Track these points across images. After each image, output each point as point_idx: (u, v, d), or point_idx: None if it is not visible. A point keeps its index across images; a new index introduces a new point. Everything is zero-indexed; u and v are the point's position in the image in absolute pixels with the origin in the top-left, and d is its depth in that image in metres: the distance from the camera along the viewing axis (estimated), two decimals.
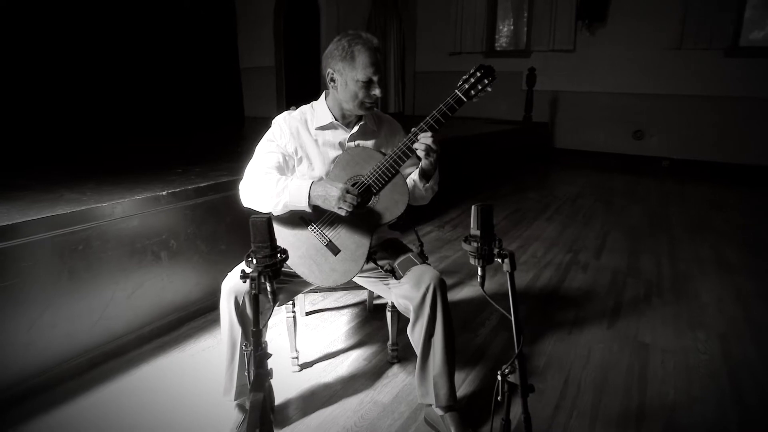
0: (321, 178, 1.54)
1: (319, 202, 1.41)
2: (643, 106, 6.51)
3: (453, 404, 1.51)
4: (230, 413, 1.55)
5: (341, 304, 2.46)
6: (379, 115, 1.70)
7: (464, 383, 1.82)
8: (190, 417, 1.61)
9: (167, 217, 2.11)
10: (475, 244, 1.08)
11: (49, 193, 2.04)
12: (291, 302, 1.82)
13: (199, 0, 6.51)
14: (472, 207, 1.09)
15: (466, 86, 1.51)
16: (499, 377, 1.08)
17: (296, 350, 1.88)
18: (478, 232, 1.08)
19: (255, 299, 0.99)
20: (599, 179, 5.91)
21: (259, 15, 7.06)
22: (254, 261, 1.01)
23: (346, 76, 1.48)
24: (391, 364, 1.94)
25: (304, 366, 1.93)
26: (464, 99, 1.50)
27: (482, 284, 1.14)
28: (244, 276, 0.98)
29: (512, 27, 7.95)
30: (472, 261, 1.11)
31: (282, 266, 1.04)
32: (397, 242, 1.72)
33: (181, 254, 2.17)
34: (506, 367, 1.07)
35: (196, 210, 2.22)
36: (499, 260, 1.08)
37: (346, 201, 1.37)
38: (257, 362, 0.96)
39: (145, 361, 1.94)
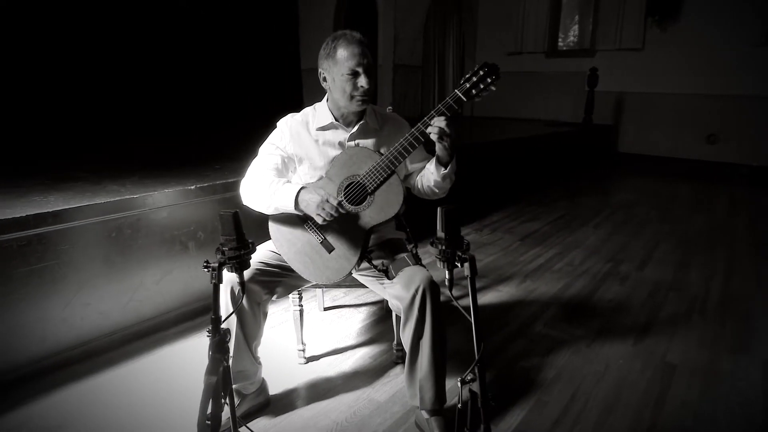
0: (321, 178, 1.58)
1: (303, 207, 1.45)
2: (719, 108, 5.99)
3: (439, 408, 1.50)
4: None
5: (360, 302, 2.50)
6: (383, 114, 1.71)
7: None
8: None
9: (196, 210, 2.25)
10: (439, 247, 1.07)
11: (94, 184, 2.24)
12: (298, 296, 1.88)
13: (266, 5, 6.83)
14: (438, 209, 1.08)
15: (467, 85, 1.48)
16: (459, 384, 1.06)
17: (303, 343, 1.94)
18: (443, 235, 1.06)
19: (215, 288, 1.05)
20: (663, 186, 5.51)
21: (320, 17, 7.28)
22: (223, 253, 1.06)
23: (333, 73, 1.51)
24: (396, 364, 1.95)
25: (311, 359, 1.98)
26: (464, 99, 1.48)
27: (450, 288, 1.12)
28: (206, 266, 1.04)
29: (576, 25, 7.61)
30: (438, 264, 1.10)
31: (248, 259, 1.10)
32: (397, 242, 1.73)
33: (208, 245, 2.30)
34: (467, 374, 1.05)
35: (223, 204, 2.34)
36: (458, 265, 1.05)
37: (324, 209, 1.40)
38: (214, 347, 1.01)
39: (168, 343, 2.09)
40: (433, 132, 1.44)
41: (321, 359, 1.99)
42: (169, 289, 2.20)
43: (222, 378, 0.99)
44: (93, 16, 4.70)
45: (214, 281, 1.03)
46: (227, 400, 1.06)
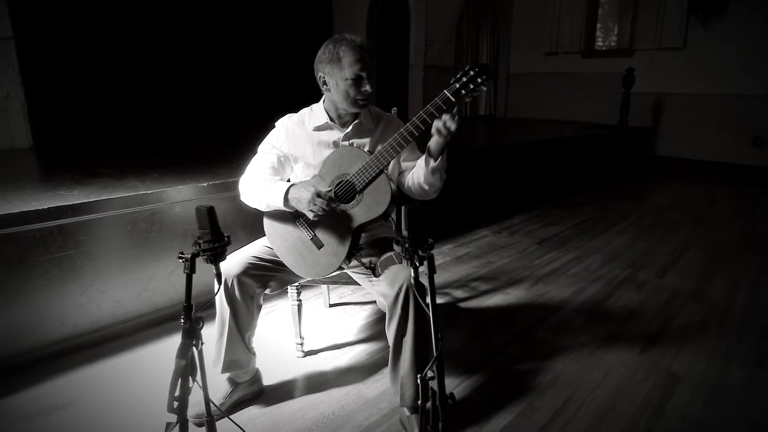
0: (315, 176, 1.63)
1: (294, 204, 1.50)
2: (766, 110, 5.64)
3: (420, 406, 1.51)
4: (222, 385, 1.70)
5: (366, 300, 2.53)
6: (378, 113, 1.74)
7: (457, 390, 1.79)
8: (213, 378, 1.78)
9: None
10: (403, 246, 1.09)
11: (118, 180, 2.39)
12: (296, 291, 1.93)
13: (299, 6, 6.99)
14: (402, 208, 1.10)
15: (457, 85, 1.47)
16: (419, 381, 1.08)
17: (301, 337, 1.99)
18: (406, 234, 1.08)
19: (188, 278, 1.11)
20: (701, 191, 5.26)
21: (354, 19, 7.36)
22: (198, 245, 1.13)
23: (336, 77, 1.54)
24: None
25: (310, 353, 2.03)
26: (452, 99, 1.47)
27: (414, 286, 1.14)
28: (180, 257, 1.11)
29: (615, 24, 7.36)
30: (402, 262, 1.12)
31: (223, 251, 1.15)
32: (388, 241, 1.74)
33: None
34: (427, 371, 1.06)
35: (236, 201, 2.43)
36: (417, 264, 1.07)
37: (316, 204, 1.43)
38: (185, 333, 1.07)
39: (177, 332, 2.18)
40: (438, 124, 1.44)
41: (319, 354, 2.04)
42: (180, 281, 2.28)
43: (191, 362, 1.05)
44: (132, 18, 4.96)
45: (187, 271, 1.09)
46: (201, 384, 1.12)
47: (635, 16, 6.66)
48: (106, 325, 2.11)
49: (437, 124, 1.45)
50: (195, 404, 1.54)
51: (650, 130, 6.60)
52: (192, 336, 1.06)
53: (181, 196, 2.26)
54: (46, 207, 1.89)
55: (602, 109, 6.86)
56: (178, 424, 1.05)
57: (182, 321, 1.09)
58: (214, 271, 1.18)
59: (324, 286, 2.45)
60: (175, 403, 1.03)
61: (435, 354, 1.04)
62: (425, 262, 1.05)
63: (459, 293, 2.62)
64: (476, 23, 7.84)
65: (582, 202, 4.70)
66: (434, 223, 3.65)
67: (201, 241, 1.12)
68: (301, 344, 2.01)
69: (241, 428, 1.36)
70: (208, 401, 1.16)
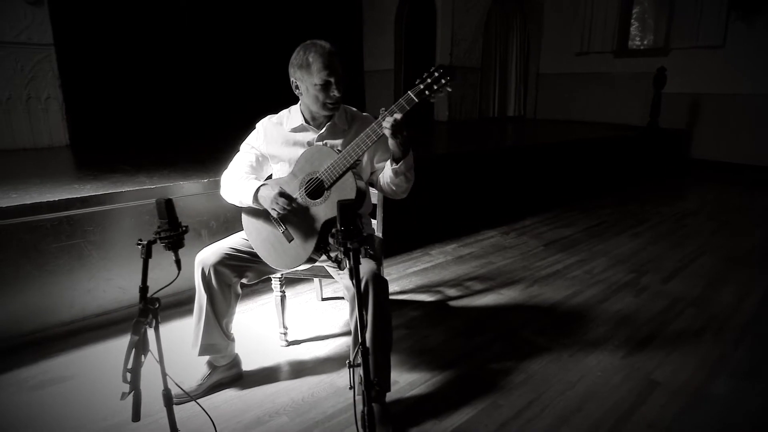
0: (289, 174, 1.71)
1: (262, 202, 1.60)
2: None
3: (376, 395, 1.56)
4: (201, 368, 1.81)
5: None
6: (353, 114, 1.81)
7: (426, 384, 1.83)
8: (193, 360, 1.89)
9: (208, 201, 2.49)
10: (337, 239, 1.15)
11: (130, 176, 2.57)
12: (280, 283, 2.03)
13: (329, 9, 7.15)
14: (336, 203, 1.16)
15: (421, 86, 1.52)
16: (347, 367, 1.14)
17: (284, 327, 2.09)
18: (339, 227, 1.14)
19: (144, 263, 1.22)
20: (733, 196, 5.01)
21: (382, 21, 7.45)
22: (158, 234, 1.23)
23: (306, 82, 1.63)
24: None
25: (293, 343, 2.13)
26: (416, 99, 1.52)
27: (351, 277, 1.20)
28: (139, 243, 1.22)
29: (650, 22, 7.10)
30: (340, 255, 1.18)
31: (180, 240, 1.26)
32: (365, 238, 1.81)
33: (219, 234, 2.53)
34: (354, 357, 1.12)
35: None
36: (342, 256, 1.13)
37: (278, 203, 1.54)
38: (138, 312, 1.19)
39: (178, 318, 2.33)
40: (386, 126, 1.50)
41: (302, 344, 2.12)
42: (182, 272, 2.45)
43: (143, 338, 1.16)
44: (159, 23, 5.24)
45: (143, 256, 1.20)
46: (157, 358, 1.23)
47: (672, 14, 6.40)
48: (111, 309, 2.28)
49: (386, 125, 1.50)
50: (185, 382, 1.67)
51: (685, 132, 6.34)
52: (145, 314, 1.17)
53: (183, 191, 2.40)
54: (56, 199, 2.07)
55: (635, 110, 6.64)
56: (132, 393, 1.16)
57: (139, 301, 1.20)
58: (174, 257, 1.28)
59: (317, 281, 2.55)
60: (128, 375, 1.14)
61: (360, 341, 1.10)
62: (350, 254, 1.11)
63: (451, 292, 2.65)
64: (505, 23, 7.76)
65: (601, 205, 4.59)
66: (441, 223, 3.68)
67: (161, 231, 1.22)
68: (285, 334, 2.10)
69: (205, 411, 1.45)
70: (164, 375, 1.26)
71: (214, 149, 3.96)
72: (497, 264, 3.06)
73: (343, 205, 1.13)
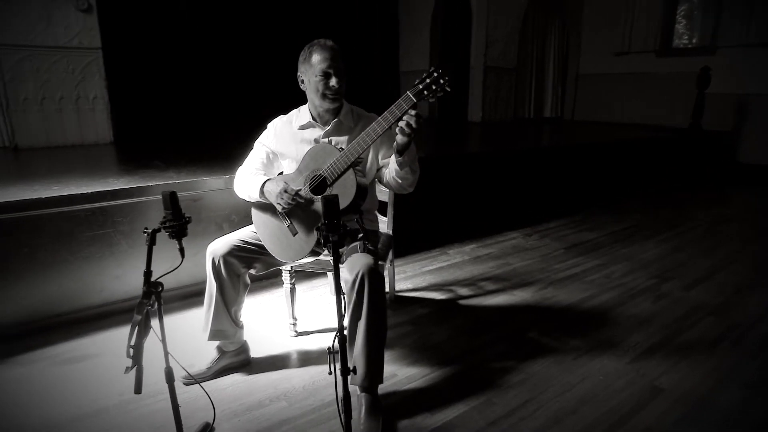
0: (295, 170, 1.80)
1: (267, 196, 1.69)
2: None
3: (368, 386, 1.62)
4: (212, 352, 1.93)
5: None
6: (359, 113, 1.88)
7: (424, 378, 1.87)
8: (205, 345, 2.01)
9: (230, 196, 2.61)
10: (321, 231, 1.21)
11: (161, 171, 2.74)
12: (290, 276, 2.12)
13: (366, 10, 7.27)
14: (320, 197, 1.23)
15: (420, 87, 1.56)
16: (328, 353, 1.20)
17: (294, 318, 2.18)
18: (323, 221, 1.21)
19: (149, 249, 1.33)
20: None
21: (418, 22, 7.49)
22: (163, 223, 1.34)
23: (309, 75, 1.72)
24: None
25: (302, 334, 2.21)
26: (414, 100, 1.56)
27: (335, 271, 1.26)
28: (145, 231, 1.32)
29: (697, 19, 6.78)
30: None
31: (183, 229, 1.36)
32: (351, 231, 1.87)
33: (240, 227, 2.65)
34: (333, 343, 1.18)
35: None
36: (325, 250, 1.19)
37: (283, 198, 1.62)
38: (142, 294, 1.29)
39: (197, 306, 2.47)
40: (402, 124, 1.56)
41: (311, 335, 2.21)
42: (203, 262, 2.59)
43: (145, 318, 1.27)
44: (197, 23, 5.49)
45: (148, 243, 1.31)
46: (160, 337, 1.33)
47: (720, 10, 6.10)
48: (137, 295, 2.39)
49: (401, 123, 1.56)
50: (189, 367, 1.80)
51: (730, 134, 6.03)
52: (148, 297, 1.28)
53: (207, 187, 2.54)
54: (90, 191, 2.25)
55: (678, 111, 6.37)
56: (135, 368, 1.27)
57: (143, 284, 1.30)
58: (178, 246, 1.38)
59: (330, 275, 2.62)
60: (131, 351, 1.25)
61: (338, 328, 1.16)
62: (328, 245, 1.16)
63: (463, 291, 2.67)
64: (543, 23, 7.62)
65: (631, 209, 4.45)
66: (463, 223, 3.69)
67: (165, 220, 1.33)
68: (294, 324, 2.19)
69: (206, 392, 1.55)
70: (167, 354, 1.36)
71: (245, 146, 4.14)
72: (514, 265, 3.05)
73: (327, 200, 1.19)
